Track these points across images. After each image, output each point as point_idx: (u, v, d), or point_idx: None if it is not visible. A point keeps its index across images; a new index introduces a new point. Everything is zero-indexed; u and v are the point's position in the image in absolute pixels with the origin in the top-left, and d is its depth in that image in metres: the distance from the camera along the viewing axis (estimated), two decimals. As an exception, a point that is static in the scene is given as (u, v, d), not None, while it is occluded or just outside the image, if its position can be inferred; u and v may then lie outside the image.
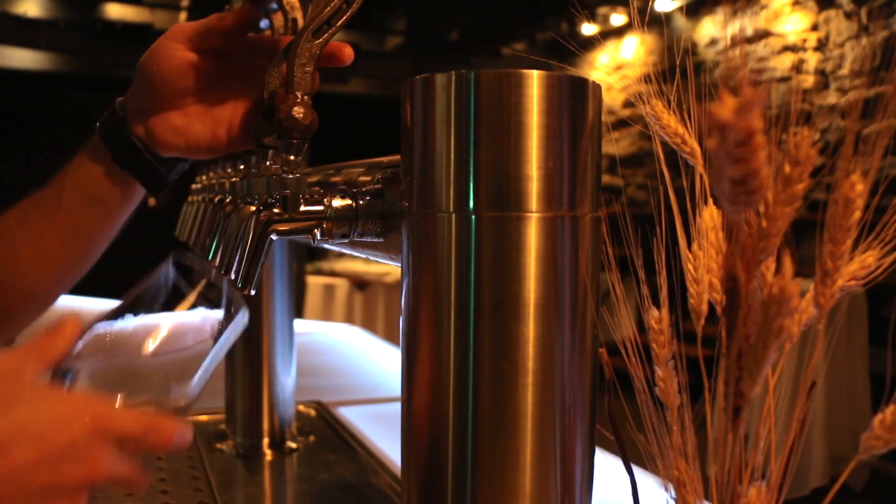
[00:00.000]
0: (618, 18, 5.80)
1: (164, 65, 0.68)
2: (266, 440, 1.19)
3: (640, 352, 0.45)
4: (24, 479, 0.46)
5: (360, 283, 5.01)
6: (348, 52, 0.66)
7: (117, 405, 0.53)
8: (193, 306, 0.60)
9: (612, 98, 4.95)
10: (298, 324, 1.35)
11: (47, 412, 0.48)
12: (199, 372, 0.56)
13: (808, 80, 4.50)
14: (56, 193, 0.74)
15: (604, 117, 0.47)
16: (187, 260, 0.61)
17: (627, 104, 4.91)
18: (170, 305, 0.59)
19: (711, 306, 0.45)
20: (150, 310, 0.59)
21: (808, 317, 0.43)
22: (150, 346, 0.58)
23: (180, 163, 0.75)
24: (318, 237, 0.58)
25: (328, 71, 0.65)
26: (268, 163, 0.65)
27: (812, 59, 4.46)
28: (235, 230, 0.61)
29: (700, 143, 0.49)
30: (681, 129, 0.49)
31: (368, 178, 0.60)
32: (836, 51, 4.35)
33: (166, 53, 0.68)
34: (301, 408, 1.36)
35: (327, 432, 1.27)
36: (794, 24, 4.57)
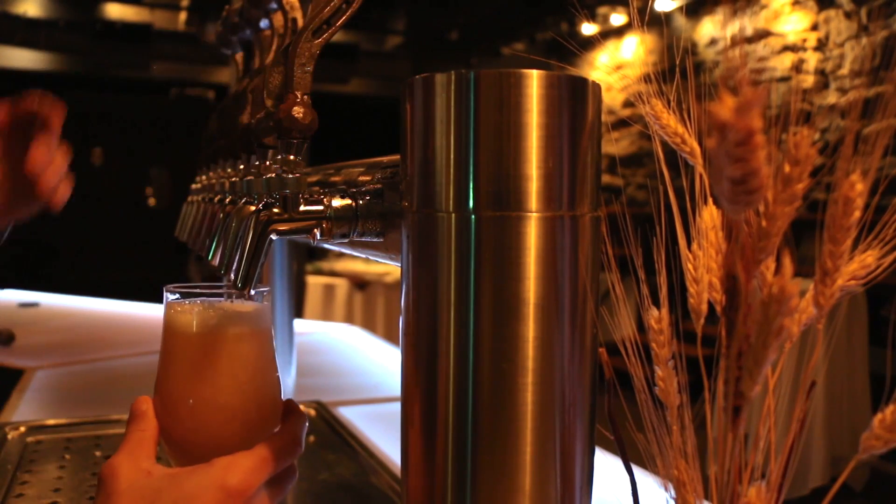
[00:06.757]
0: (618, 18, 5.80)
1: None
2: (266, 440, 1.18)
3: (639, 352, 0.44)
4: None
5: (360, 283, 5.01)
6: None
7: (240, 460, 0.55)
8: None
9: (612, 98, 4.95)
10: (298, 324, 1.35)
11: None
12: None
13: (808, 80, 4.50)
14: None
15: (604, 117, 0.47)
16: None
17: (627, 104, 4.90)
18: None
19: (711, 306, 0.45)
20: None
21: (808, 317, 0.43)
22: None
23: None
24: (318, 237, 0.58)
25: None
26: (267, 162, 0.65)
27: (812, 59, 4.47)
28: (235, 230, 0.61)
29: (700, 143, 0.49)
30: (681, 129, 0.49)
31: (368, 178, 0.60)
32: (836, 51, 4.35)
33: None
34: (301, 408, 1.36)
35: (327, 432, 1.27)
36: (794, 24, 4.58)
